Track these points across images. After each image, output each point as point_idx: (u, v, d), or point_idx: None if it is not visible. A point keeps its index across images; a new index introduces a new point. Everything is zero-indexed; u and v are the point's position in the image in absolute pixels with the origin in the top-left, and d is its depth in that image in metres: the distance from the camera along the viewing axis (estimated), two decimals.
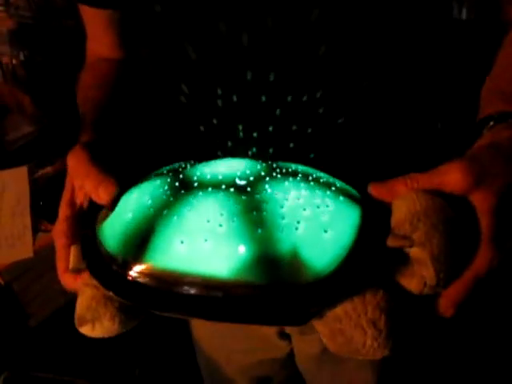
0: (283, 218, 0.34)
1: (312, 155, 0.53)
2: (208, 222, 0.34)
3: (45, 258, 0.92)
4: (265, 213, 0.34)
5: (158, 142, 0.63)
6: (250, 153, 0.52)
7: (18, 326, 0.95)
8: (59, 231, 0.43)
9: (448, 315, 0.36)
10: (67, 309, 0.97)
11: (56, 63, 1.59)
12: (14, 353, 0.95)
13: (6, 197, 0.98)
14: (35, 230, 0.94)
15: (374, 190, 0.38)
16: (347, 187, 0.40)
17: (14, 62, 1.73)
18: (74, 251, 0.41)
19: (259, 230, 0.33)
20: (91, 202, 0.44)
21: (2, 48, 1.74)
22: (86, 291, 0.38)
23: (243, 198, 0.35)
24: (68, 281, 0.42)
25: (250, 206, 0.34)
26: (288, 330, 0.72)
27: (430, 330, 0.68)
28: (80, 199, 0.44)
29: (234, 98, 0.51)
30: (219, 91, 0.51)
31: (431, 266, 0.33)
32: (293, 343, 0.76)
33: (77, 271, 0.40)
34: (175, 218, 0.35)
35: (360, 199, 0.39)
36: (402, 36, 0.50)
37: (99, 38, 0.63)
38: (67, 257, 0.42)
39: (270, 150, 0.53)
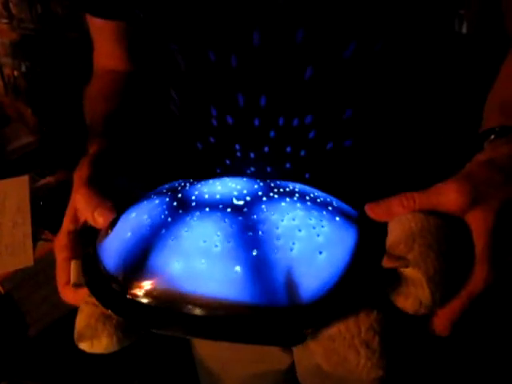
0: (278, 239, 0.35)
1: (310, 172, 0.53)
2: (204, 242, 0.34)
3: (45, 267, 0.92)
4: (260, 233, 0.35)
5: (160, 156, 0.63)
6: (248, 171, 0.53)
7: (17, 335, 0.95)
8: (61, 245, 0.43)
9: (443, 334, 0.36)
10: (67, 319, 0.97)
11: (57, 75, 1.60)
12: (13, 362, 0.94)
13: (7, 205, 0.98)
14: (35, 238, 0.94)
15: (370, 210, 0.38)
16: (344, 206, 0.41)
17: (15, 73, 1.74)
18: (74, 266, 0.41)
19: (255, 251, 0.34)
20: None
21: (4, 59, 1.76)
22: (85, 309, 0.39)
23: (239, 218, 0.36)
24: (68, 295, 0.42)
25: (246, 226, 0.35)
26: None
27: (429, 345, 0.68)
28: (82, 216, 0.44)
29: (235, 116, 0.51)
30: (220, 108, 0.51)
31: (426, 287, 0.34)
32: (294, 355, 0.75)
33: (78, 286, 0.40)
34: (172, 238, 0.35)
35: (356, 219, 0.39)
36: (403, 50, 0.50)
37: (106, 49, 0.63)
38: (67, 270, 0.42)
39: (268, 169, 0.53)
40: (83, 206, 0.42)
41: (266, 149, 0.51)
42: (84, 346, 0.38)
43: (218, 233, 0.35)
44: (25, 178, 1.02)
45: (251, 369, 0.80)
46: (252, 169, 0.53)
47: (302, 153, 0.51)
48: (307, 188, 0.42)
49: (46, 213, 0.98)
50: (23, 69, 1.71)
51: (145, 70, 0.65)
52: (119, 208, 0.41)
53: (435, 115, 0.62)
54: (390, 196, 0.39)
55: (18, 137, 1.16)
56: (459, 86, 0.89)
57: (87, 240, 0.43)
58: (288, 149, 0.51)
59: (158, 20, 0.51)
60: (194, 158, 0.58)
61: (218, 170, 0.55)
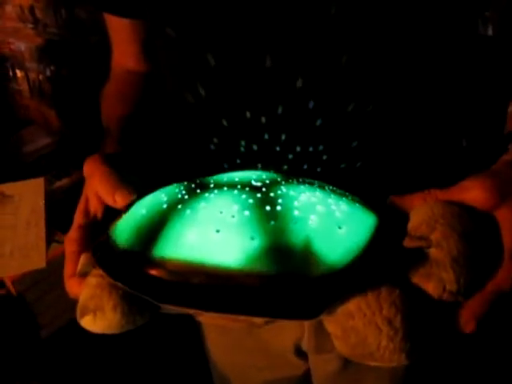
0: (298, 211, 0.34)
1: (330, 173, 0.52)
2: (221, 213, 0.33)
3: (58, 269, 0.92)
4: (279, 207, 0.34)
5: (175, 156, 0.63)
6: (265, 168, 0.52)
7: (29, 337, 0.95)
8: (71, 239, 0.43)
9: (468, 330, 0.35)
10: None
11: (81, 78, 1.62)
12: (24, 363, 0.95)
13: (22, 207, 0.99)
14: (49, 240, 0.94)
15: (392, 200, 0.38)
16: (364, 202, 0.40)
17: (40, 77, 1.77)
18: (83, 257, 0.40)
19: (272, 222, 0.33)
20: (106, 212, 0.44)
21: (29, 64, 1.79)
22: (91, 281, 0.38)
23: (257, 195, 0.35)
24: (72, 286, 0.41)
25: (264, 201, 0.34)
26: (304, 347, 0.70)
27: (452, 348, 0.66)
28: (94, 208, 0.44)
29: (250, 116, 0.51)
30: (237, 107, 0.51)
31: (450, 268, 0.32)
32: (309, 362, 0.74)
33: (83, 275, 0.39)
34: (188, 210, 0.34)
35: (377, 208, 0.38)
36: (427, 52, 0.49)
37: (123, 48, 0.64)
38: (75, 263, 0.41)
39: (285, 167, 0.52)
40: (102, 187, 0.42)
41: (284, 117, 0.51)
42: (87, 320, 0.36)
43: (235, 205, 0.34)
44: (40, 180, 1.03)
45: (266, 375, 0.79)
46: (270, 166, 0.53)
47: (328, 148, 0.51)
48: (327, 185, 0.41)
49: (61, 214, 0.99)
50: (48, 73, 1.74)
51: (160, 70, 0.65)
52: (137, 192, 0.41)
53: (458, 119, 0.60)
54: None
55: (34, 139, 1.17)
56: (484, 88, 0.87)
57: (98, 234, 0.42)
58: (313, 144, 0.51)
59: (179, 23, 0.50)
60: (211, 156, 0.58)
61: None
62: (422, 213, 0.35)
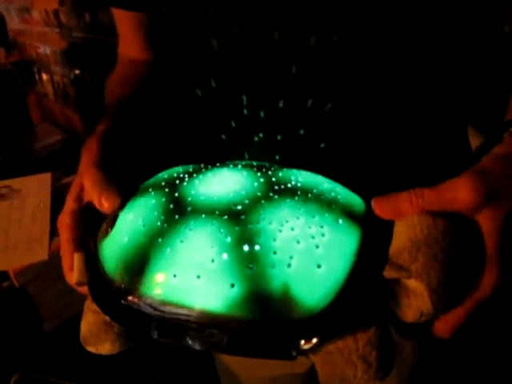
0: (275, 252, 0.34)
1: (318, 156, 0.51)
2: (200, 256, 0.34)
3: (61, 263, 0.93)
4: (257, 247, 0.34)
5: (166, 140, 0.63)
6: (255, 155, 0.51)
7: (31, 329, 0.96)
8: (64, 225, 0.43)
9: (444, 338, 0.35)
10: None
11: (104, 82, 1.65)
12: (26, 355, 0.96)
13: (29, 201, 1.01)
14: (52, 234, 0.95)
15: (376, 206, 0.37)
16: (350, 198, 0.39)
17: (64, 80, 1.81)
18: (77, 263, 0.41)
19: (251, 266, 0.33)
20: None
21: (55, 67, 1.84)
22: (88, 316, 0.40)
23: (236, 228, 0.35)
24: (73, 281, 0.42)
25: (243, 238, 0.34)
26: None
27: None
28: (88, 195, 0.44)
29: (242, 102, 0.50)
30: (225, 93, 0.51)
31: (428, 299, 0.32)
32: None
33: (81, 284, 0.40)
34: (169, 250, 0.35)
35: (361, 216, 0.37)
36: (451, 49, 0.48)
37: (128, 39, 0.65)
38: (71, 253, 0.41)
39: (276, 155, 0.51)
40: (90, 188, 0.42)
41: (281, 104, 0.50)
42: (90, 349, 0.40)
43: (214, 246, 0.34)
44: (47, 175, 1.05)
45: (271, 371, 0.79)
46: (261, 135, 0.52)
47: (317, 133, 0.50)
48: (312, 180, 0.40)
49: None
50: (72, 76, 1.78)
51: (162, 58, 0.66)
52: (122, 194, 0.42)
53: (464, 108, 0.59)
54: (399, 183, 0.37)
55: (46, 136, 1.19)
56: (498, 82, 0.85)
57: (90, 220, 0.42)
58: (300, 129, 0.50)
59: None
60: (202, 140, 0.58)
61: (224, 136, 0.55)
62: (405, 236, 0.34)
